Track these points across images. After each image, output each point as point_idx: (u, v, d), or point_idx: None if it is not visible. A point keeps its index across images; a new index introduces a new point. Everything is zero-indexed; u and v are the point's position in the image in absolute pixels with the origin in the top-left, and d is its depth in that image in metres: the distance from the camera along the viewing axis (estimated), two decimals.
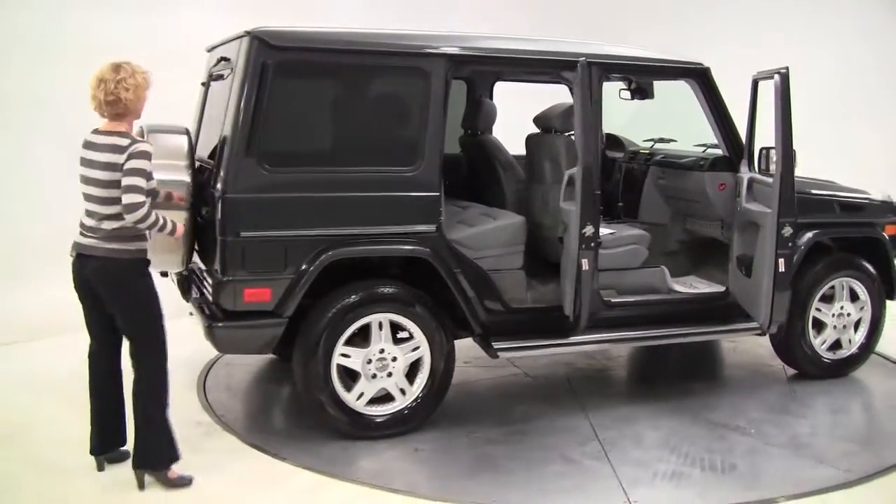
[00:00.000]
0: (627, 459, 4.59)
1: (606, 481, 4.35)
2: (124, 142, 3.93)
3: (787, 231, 4.66)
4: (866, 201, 5.81)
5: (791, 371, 5.97)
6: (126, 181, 3.87)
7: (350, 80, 4.72)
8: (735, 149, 5.44)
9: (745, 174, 5.13)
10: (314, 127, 4.72)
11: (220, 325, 4.53)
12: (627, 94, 6.03)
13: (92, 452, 4.35)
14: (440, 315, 4.85)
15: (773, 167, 4.94)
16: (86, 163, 4.00)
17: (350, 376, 4.78)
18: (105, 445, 4.37)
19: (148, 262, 4.15)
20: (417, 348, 4.82)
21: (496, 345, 4.96)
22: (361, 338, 4.75)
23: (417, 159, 4.74)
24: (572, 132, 5.31)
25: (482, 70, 6.10)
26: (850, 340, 5.81)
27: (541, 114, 5.67)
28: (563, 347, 5.13)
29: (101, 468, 4.36)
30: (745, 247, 5.10)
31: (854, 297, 5.77)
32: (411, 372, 4.87)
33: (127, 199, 3.86)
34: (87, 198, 4.01)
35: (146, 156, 3.93)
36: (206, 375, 5.93)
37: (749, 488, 4.27)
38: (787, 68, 4.62)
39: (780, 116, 4.61)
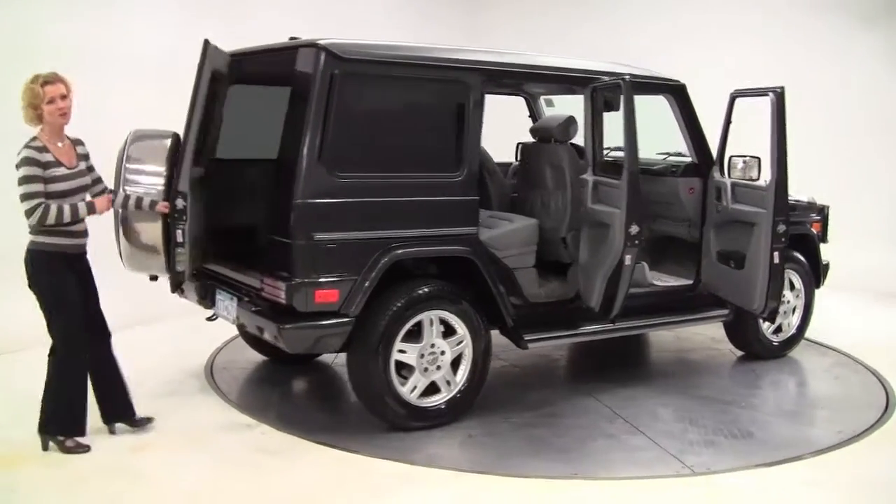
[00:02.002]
0: (658, 432, 5.16)
1: (653, 451, 4.89)
2: (20, 146, 4.43)
3: (781, 228, 5.43)
4: (797, 202, 6.74)
5: (738, 353, 6.81)
6: (19, 190, 4.35)
7: (405, 91, 5.03)
8: (705, 157, 6.19)
9: (726, 180, 5.86)
10: (374, 134, 4.97)
11: (291, 326, 4.68)
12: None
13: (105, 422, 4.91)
14: (480, 310, 5.22)
15: (749, 174, 5.72)
16: None
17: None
18: (109, 415, 4.90)
19: (54, 256, 4.52)
20: (461, 342, 5.17)
21: (527, 336, 5.41)
22: (413, 334, 5.05)
23: (461, 166, 5.12)
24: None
25: (514, 84, 6.45)
26: (788, 324, 6.71)
27: (539, 125, 6.19)
28: (583, 337, 5.66)
29: (112, 430, 4.92)
30: (728, 243, 5.82)
31: (791, 286, 6.67)
32: (453, 365, 5.21)
33: (23, 206, 4.36)
34: None
35: (26, 161, 4.36)
36: (213, 378, 5.97)
37: (774, 449, 4.95)
38: (782, 87, 5.39)
39: (775, 129, 5.36)
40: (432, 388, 5.14)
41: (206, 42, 4.80)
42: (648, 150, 6.75)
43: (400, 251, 4.89)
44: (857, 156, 9.30)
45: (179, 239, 4.84)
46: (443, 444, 4.95)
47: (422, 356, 5.05)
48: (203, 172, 5.16)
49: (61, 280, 4.59)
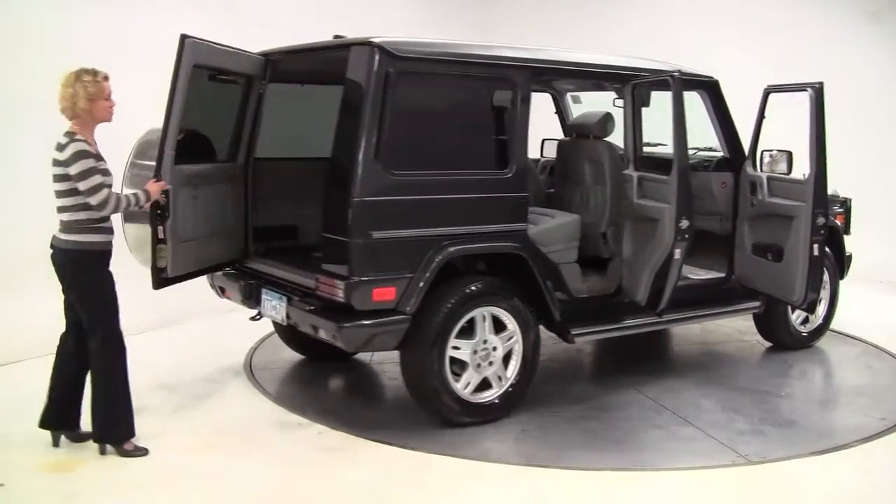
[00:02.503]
0: (706, 422, 5.23)
1: (705, 441, 4.96)
2: (64, 140, 4.32)
3: (821, 221, 5.51)
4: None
5: (766, 344, 6.91)
6: (82, 186, 4.27)
7: (455, 88, 5.07)
8: (737, 152, 6.27)
9: (761, 174, 5.94)
10: (426, 132, 5.00)
11: (351, 325, 4.69)
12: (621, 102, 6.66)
13: (41, 425, 4.65)
14: (529, 306, 5.27)
15: (781, 168, 5.82)
16: (54, 162, 4.38)
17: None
18: (53, 420, 4.65)
19: (102, 254, 4.46)
20: (512, 338, 5.21)
21: (574, 331, 5.46)
22: (464, 331, 5.08)
23: (510, 163, 5.16)
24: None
25: (551, 81, 6.48)
26: (815, 315, 6.81)
27: (577, 121, 6.24)
28: (627, 330, 5.73)
29: (55, 444, 4.67)
30: (764, 236, 5.90)
31: None
32: (503, 360, 5.25)
33: (92, 200, 4.28)
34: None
35: (82, 154, 4.27)
36: (255, 377, 5.97)
37: (822, 437, 5.05)
38: (821, 83, 5.47)
39: (814, 124, 5.45)
40: (483, 384, 5.18)
41: (183, 37, 4.80)
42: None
43: (454, 248, 4.91)
44: (877, 148, 9.45)
45: (161, 235, 4.86)
46: (497, 440, 4.99)
47: (475, 352, 5.08)
48: (206, 171, 5.22)
49: (107, 278, 4.54)
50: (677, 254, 5.17)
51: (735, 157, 6.29)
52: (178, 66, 4.79)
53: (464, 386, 5.08)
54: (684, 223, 5.12)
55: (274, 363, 6.33)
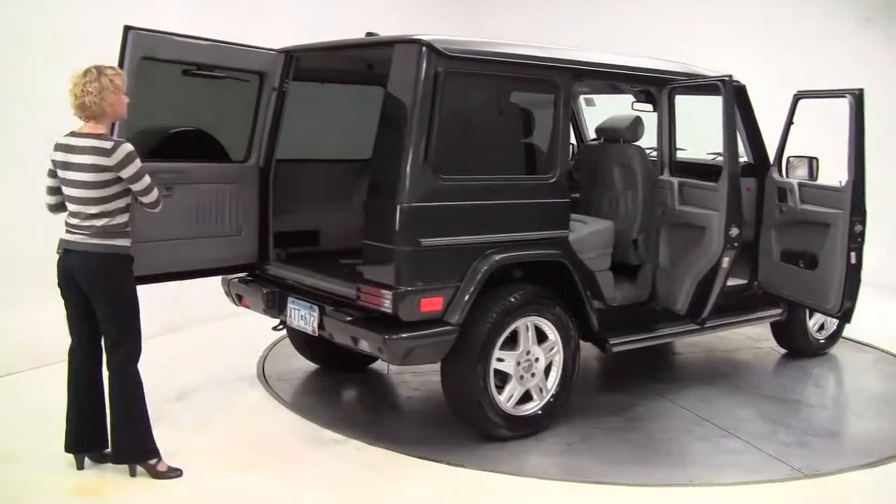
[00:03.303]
0: (749, 434, 5.13)
1: (753, 454, 4.85)
2: (107, 144, 4.02)
3: (858, 228, 5.46)
4: None
5: (781, 351, 6.87)
6: (137, 186, 4.09)
7: (501, 90, 4.90)
8: (761, 158, 6.20)
9: (792, 180, 5.87)
10: (473, 135, 4.82)
11: (399, 337, 4.47)
12: (640, 106, 6.55)
13: (67, 450, 4.30)
14: (570, 315, 5.11)
15: (808, 174, 5.77)
16: (62, 165, 4.07)
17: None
18: (81, 443, 4.32)
19: (131, 260, 4.22)
20: (553, 349, 5.05)
21: (612, 341, 5.32)
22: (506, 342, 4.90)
23: (553, 167, 5.00)
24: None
25: (598, 83, 6.29)
26: (830, 322, 6.80)
27: (606, 125, 6.09)
28: (663, 339, 5.62)
29: (80, 466, 4.33)
30: (794, 243, 5.83)
31: None
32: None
33: (148, 199, 4.16)
34: (73, 199, 4.09)
35: (133, 156, 4.05)
36: (273, 389, 5.71)
37: (869, 448, 4.98)
38: (861, 89, 5.42)
39: (853, 131, 5.39)
40: (523, 396, 5.00)
41: (127, 28, 4.57)
42: (698, 151, 6.76)
43: (501, 256, 4.73)
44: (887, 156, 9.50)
45: None
46: (542, 454, 4.83)
47: (518, 364, 4.91)
48: (185, 169, 5.00)
49: (135, 286, 4.28)
50: (725, 262, 5.06)
51: (759, 163, 6.23)
52: (122, 59, 4.55)
53: (507, 399, 4.90)
54: (734, 231, 5.02)
55: (288, 373, 6.06)
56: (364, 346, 4.65)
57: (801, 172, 5.90)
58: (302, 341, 5.94)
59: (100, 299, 4.14)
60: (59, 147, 4.09)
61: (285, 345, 6.59)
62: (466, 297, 4.61)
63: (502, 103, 4.93)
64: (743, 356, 6.87)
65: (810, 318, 6.66)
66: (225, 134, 5.46)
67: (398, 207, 4.43)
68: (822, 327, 6.78)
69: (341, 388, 5.89)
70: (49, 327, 5.78)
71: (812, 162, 5.90)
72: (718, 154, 6.54)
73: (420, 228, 4.48)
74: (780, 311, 6.31)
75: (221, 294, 5.76)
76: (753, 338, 7.18)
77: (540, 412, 5.02)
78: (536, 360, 4.98)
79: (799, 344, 6.71)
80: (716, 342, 7.17)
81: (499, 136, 4.93)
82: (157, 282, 5.01)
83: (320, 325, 4.94)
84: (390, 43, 4.70)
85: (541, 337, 5.01)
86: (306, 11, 8.31)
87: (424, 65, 4.47)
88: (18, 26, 5.89)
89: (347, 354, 5.81)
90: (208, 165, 5.23)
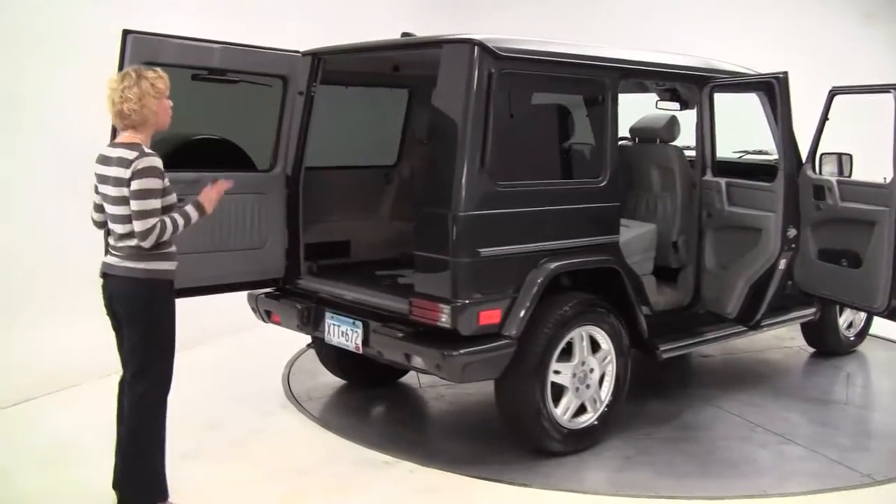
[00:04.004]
0: (806, 439, 5.01)
1: (818, 460, 4.72)
2: (131, 154, 3.63)
3: None
4: None
5: (809, 349, 6.77)
6: (135, 205, 3.60)
7: (552, 91, 4.72)
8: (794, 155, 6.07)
9: (830, 178, 5.74)
10: (526, 138, 4.62)
11: (460, 353, 4.24)
12: (666, 104, 6.40)
13: (114, 486, 3.93)
14: (621, 323, 4.93)
15: (843, 171, 5.66)
16: (101, 179, 3.75)
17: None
18: None
19: (170, 284, 3.82)
20: (606, 358, 4.87)
21: (662, 347, 5.14)
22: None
23: (603, 170, 4.81)
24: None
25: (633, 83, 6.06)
26: (859, 319, 6.72)
27: (642, 125, 5.92)
28: (709, 343, 5.46)
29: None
30: (834, 242, 5.69)
31: None
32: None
33: (137, 225, 3.60)
34: (109, 216, 3.76)
35: (153, 172, 3.62)
36: (305, 408, 5.45)
37: None
38: None
39: None
40: (578, 409, 4.81)
41: (125, 32, 4.29)
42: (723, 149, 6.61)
43: (555, 264, 4.52)
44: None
45: None
46: (603, 469, 4.65)
47: (573, 375, 4.71)
48: (196, 179, 4.55)
49: (174, 314, 3.87)
50: (782, 264, 4.92)
51: (791, 162, 6.09)
52: (122, 65, 4.25)
53: (563, 412, 4.70)
54: (791, 232, 4.88)
55: (317, 390, 5.79)
56: (418, 363, 4.41)
57: (835, 169, 5.78)
58: (332, 357, 5.67)
59: (129, 326, 3.75)
60: (99, 159, 3.77)
61: (306, 360, 6.36)
62: (524, 309, 4.40)
63: (553, 105, 4.74)
64: (773, 356, 6.75)
65: (840, 315, 6.57)
66: (248, 141, 5.19)
67: (455, 216, 4.20)
68: (850, 325, 6.69)
69: (376, 405, 5.64)
70: (56, 350, 5.56)
71: (845, 158, 5.78)
72: (745, 152, 6.47)
73: (478, 238, 4.26)
74: (813, 310, 6.19)
75: (230, 309, 5.49)
76: (780, 337, 7.07)
77: (596, 423, 4.83)
78: (591, 370, 4.79)
79: (830, 343, 6.62)
80: (744, 343, 7.02)
81: (550, 138, 4.75)
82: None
83: (365, 342, 4.69)
84: (437, 43, 4.46)
85: (593, 346, 4.83)
86: (309, 13, 8.00)
87: (477, 66, 4.25)
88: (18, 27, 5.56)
89: (378, 369, 5.58)
90: (230, 174, 4.94)
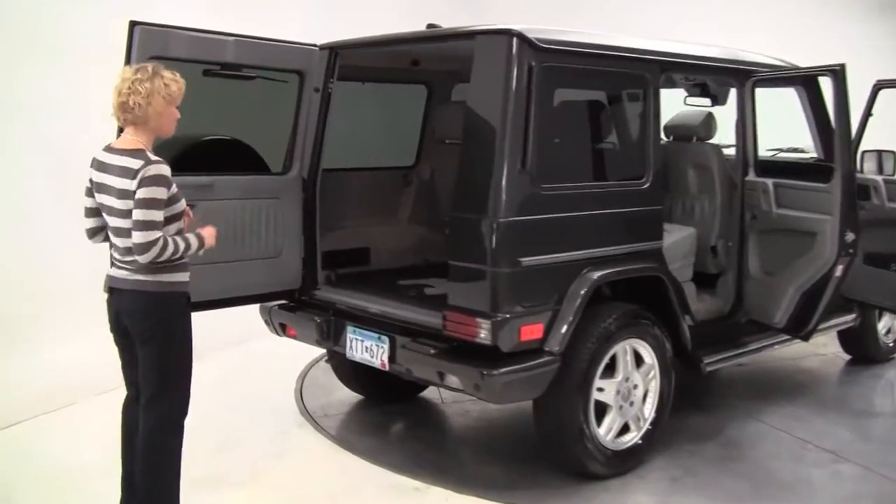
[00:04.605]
0: (862, 456, 4.68)
1: (879, 481, 4.41)
2: (136, 164, 3.29)
3: None
4: None
5: (845, 356, 6.47)
6: (137, 215, 3.27)
7: (594, 86, 4.40)
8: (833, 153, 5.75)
9: (876, 177, 5.43)
10: (567, 137, 4.28)
11: (499, 372, 3.89)
12: (695, 100, 6.07)
13: None
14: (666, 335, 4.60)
15: (885, 169, 5.36)
16: (98, 187, 3.41)
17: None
18: None
19: (186, 297, 3.53)
20: (650, 373, 4.54)
21: (706, 360, 4.82)
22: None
23: (646, 171, 4.48)
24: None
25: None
26: None
27: (676, 122, 5.58)
28: (752, 353, 5.15)
29: None
30: (882, 244, 5.37)
31: None
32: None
33: (138, 237, 3.26)
34: (111, 229, 3.43)
35: (160, 181, 3.30)
36: (322, 427, 5.10)
37: None
38: None
39: None
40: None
41: (133, 24, 3.93)
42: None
43: (598, 273, 4.18)
44: None
45: None
46: (651, 493, 4.33)
47: (617, 392, 4.38)
48: (209, 183, 4.30)
49: (191, 330, 3.57)
50: (839, 271, 4.59)
51: (830, 158, 5.78)
52: (128, 59, 3.89)
53: (606, 432, 4.37)
54: (850, 236, 4.55)
55: (333, 407, 5.43)
56: (453, 382, 4.06)
57: (875, 167, 5.48)
58: (349, 371, 5.31)
59: (144, 344, 3.44)
60: (94, 164, 3.42)
61: (318, 373, 6.01)
62: (568, 323, 4.06)
63: (595, 101, 4.41)
64: (809, 364, 6.43)
65: (879, 321, 6.27)
66: (261, 142, 4.83)
67: (495, 223, 3.85)
68: (889, 331, 6.39)
69: (397, 423, 5.29)
70: (52, 367, 5.20)
71: (886, 156, 5.48)
72: (778, 150, 6.14)
73: (519, 246, 3.92)
74: (853, 316, 5.88)
75: (233, 318, 5.10)
76: (814, 343, 6.55)
77: (640, 442, 4.51)
78: (635, 386, 4.46)
79: (868, 350, 6.31)
80: (776, 350, 6.70)
81: (592, 137, 4.41)
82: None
83: (391, 358, 4.34)
84: (470, 35, 4.10)
85: (637, 360, 4.50)
86: (311, 8, 7.62)
87: (516, 58, 3.90)
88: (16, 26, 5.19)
89: (398, 384, 5.23)
90: (242, 178, 4.58)
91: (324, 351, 5.59)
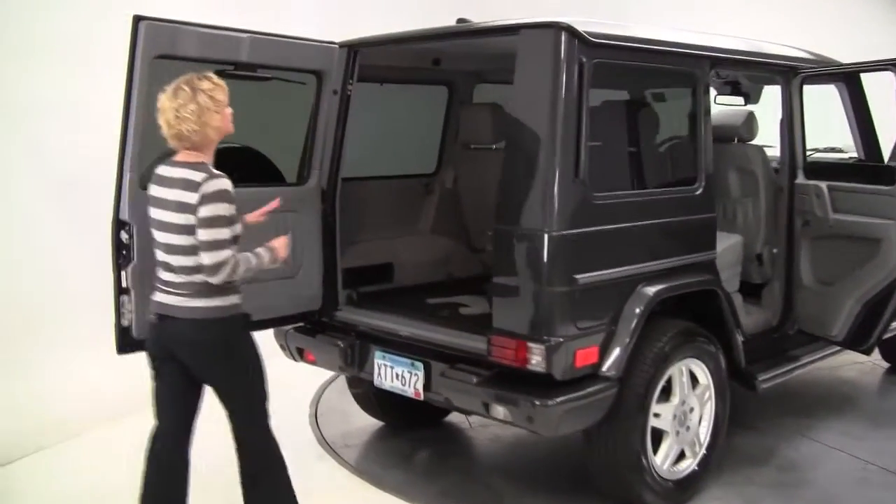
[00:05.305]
0: None
1: None
2: (197, 176, 3.12)
3: None
4: None
5: (883, 364, 6.17)
6: (203, 235, 3.09)
7: (645, 84, 4.04)
8: (875, 154, 5.44)
9: None
10: (618, 141, 3.92)
11: (555, 402, 3.51)
12: (726, 99, 5.74)
13: None
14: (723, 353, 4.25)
15: None
16: (156, 202, 3.24)
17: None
18: None
19: (247, 318, 3.38)
20: (706, 394, 4.19)
21: (760, 377, 4.48)
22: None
23: (699, 175, 4.13)
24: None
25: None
26: None
27: (717, 122, 5.19)
28: (805, 367, 4.82)
29: None
30: None
31: None
32: None
33: (206, 258, 3.10)
34: (163, 247, 3.23)
35: (224, 196, 3.12)
36: (344, 458, 4.70)
37: None
38: None
39: None
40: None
41: (137, 19, 3.53)
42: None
43: (654, 289, 3.82)
44: None
45: (124, 283, 3.61)
46: None
47: (674, 417, 4.02)
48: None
49: (256, 347, 3.38)
50: None
51: (871, 159, 5.47)
52: (133, 59, 3.51)
53: (662, 460, 4.01)
54: None
55: (352, 436, 5.03)
56: (500, 414, 3.67)
57: None
58: (370, 396, 4.92)
59: (215, 375, 3.30)
60: (154, 179, 3.25)
61: (332, 396, 5.61)
62: (624, 344, 3.70)
63: (647, 101, 4.07)
64: (848, 374, 6.11)
65: None
66: (275, 149, 4.42)
67: (547, 236, 3.48)
68: None
69: (424, 452, 4.88)
70: (61, 394, 4.81)
71: None
72: (815, 150, 5.81)
73: (575, 261, 3.55)
74: None
75: None
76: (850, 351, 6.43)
77: (697, 468, 4.15)
78: (691, 409, 4.11)
79: None
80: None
81: (643, 140, 4.05)
82: None
83: (427, 387, 3.95)
84: (512, 29, 3.72)
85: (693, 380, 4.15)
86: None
87: (566, 55, 3.53)
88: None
89: (422, 409, 4.83)
90: (255, 190, 4.16)
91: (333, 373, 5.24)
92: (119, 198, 3.62)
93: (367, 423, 5.13)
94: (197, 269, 3.13)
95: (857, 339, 4.48)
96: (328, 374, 5.57)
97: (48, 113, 4.92)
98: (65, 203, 5.03)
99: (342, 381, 5.32)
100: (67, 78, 5.00)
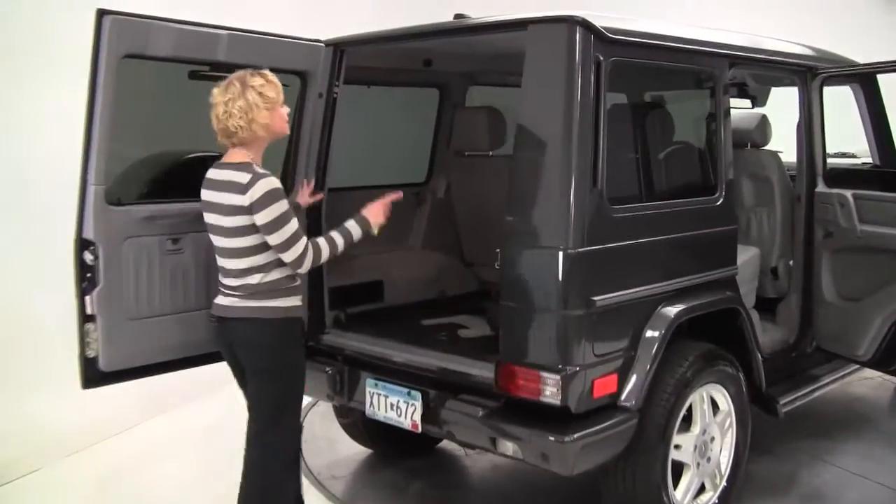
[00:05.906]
0: None
1: None
2: (243, 178, 3.09)
3: None
4: None
5: (893, 380, 5.87)
6: (273, 239, 3.10)
7: (663, 85, 3.71)
8: (892, 158, 5.16)
9: None
10: (636, 146, 3.58)
11: (573, 438, 3.16)
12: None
13: None
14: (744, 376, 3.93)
15: None
16: (207, 206, 3.24)
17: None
18: None
19: (300, 324, 3.36)
20: (727, 421, 3.86)
21: (782, 400, 4.16)
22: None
23: (719, 184, 3.80)
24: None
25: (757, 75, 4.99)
26: None
27: None
28: (826, 387, 4.52)
29: None
30: None
31: None
32: None
33: (287, 256, 3.14)
34: (217, 250, 3.25)
35: (276, 195, 3.09)
36: (332, 492, 4.33)
37: None
38: None
39: None
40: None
41: (101, 13, 3.19)
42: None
43: (674, 310, 3.48)
44: None
45: (88, 310, 3.31)
46: None
47: (695, 448, 3.68)
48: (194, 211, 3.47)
49: (303, 360, 3.42)
50: None
51: (887, 163, 5.19)
52: (97, 58, 3.19)
53: (684, 494, 3.67)
54: None
55: (339, 466, 4.65)
56: (509, 450, 3.31)
57: None
58: (358, 423, 4.54)
59: (256, 373, 3.27)
60: (204, 183, 3.25)
61: (315, 422, 5.23)
62: (645, 371, 3.36)
63: (663, 102, 3.72)
64: (858, 391, 5.82)
65: None
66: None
67: (563, 254, 3.12)
68: None
69: (418, 483, 4.51)
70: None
71: None
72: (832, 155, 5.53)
73: (593, 282, 3.20)
74: None
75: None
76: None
77: (717, 501, 3.83)
78: (712, 439, 3.78)
79: None
80: None
81: (660, 146, 3.71)
82: (157, 373, 3.62)
83: (426, 418, 3.58)
84: (520, 24, 3.36)
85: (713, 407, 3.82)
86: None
87: (581, 53, 3.18)
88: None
89: (413, 437, 4.46)
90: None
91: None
92: (82, 213, 3.28)
93: (355, 452, 4.76)
94: (249, 270, 3.14)
95: (887, 360, 4.18)
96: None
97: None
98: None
99: (326, 405, 4.95)
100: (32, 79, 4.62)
